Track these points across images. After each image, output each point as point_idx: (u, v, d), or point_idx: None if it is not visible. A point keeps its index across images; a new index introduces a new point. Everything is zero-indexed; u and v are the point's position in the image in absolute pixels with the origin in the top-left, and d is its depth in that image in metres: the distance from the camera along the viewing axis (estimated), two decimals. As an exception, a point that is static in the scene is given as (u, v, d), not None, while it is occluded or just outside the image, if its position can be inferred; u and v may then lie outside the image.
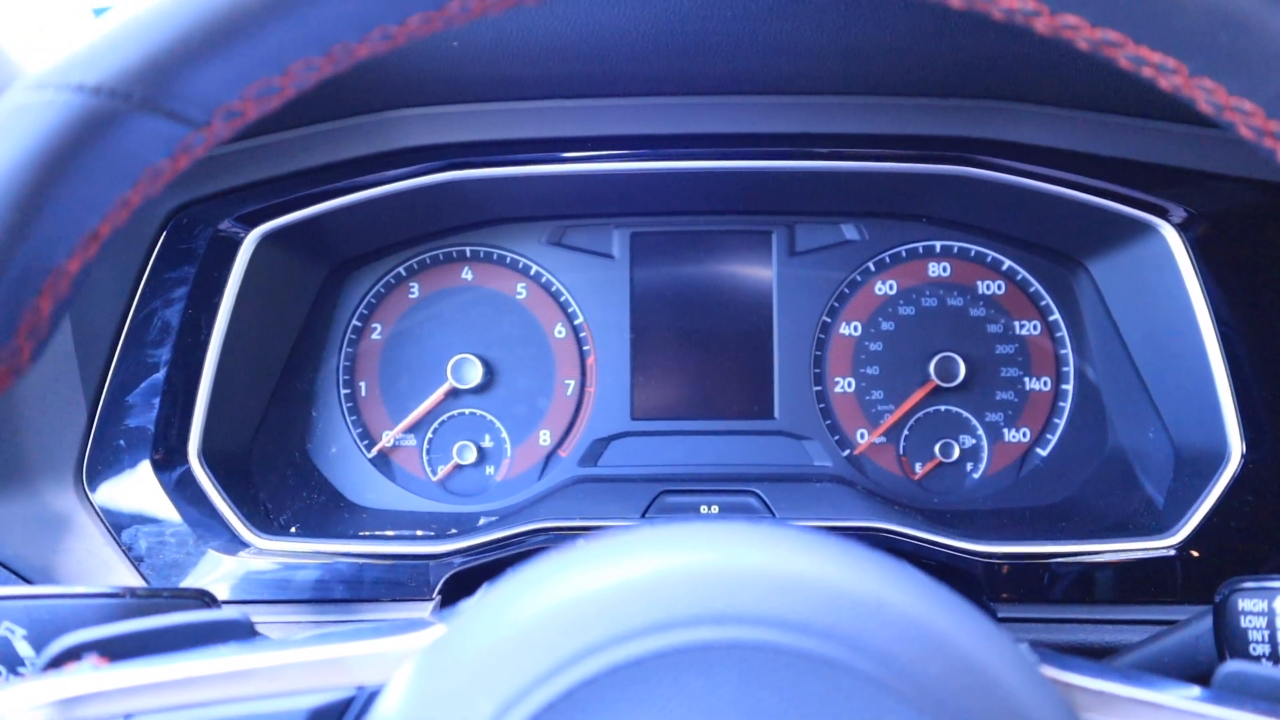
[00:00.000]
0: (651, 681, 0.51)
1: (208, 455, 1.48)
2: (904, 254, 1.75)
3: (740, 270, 1.77)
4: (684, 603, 0.52)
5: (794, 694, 0.51)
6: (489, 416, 1.77)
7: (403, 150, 1.53)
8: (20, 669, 0.81)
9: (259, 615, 1.35)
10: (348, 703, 0.60)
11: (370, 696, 0.60)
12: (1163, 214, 1.44)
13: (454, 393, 1.76)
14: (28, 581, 1.38)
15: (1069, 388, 1.73)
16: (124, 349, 1.49)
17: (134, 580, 1.43)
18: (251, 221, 1.51)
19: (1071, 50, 0.54)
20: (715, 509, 1.56)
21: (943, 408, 1.74)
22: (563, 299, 1.78)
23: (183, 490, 1.46)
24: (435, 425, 1.77)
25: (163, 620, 0.71)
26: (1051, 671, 0.60)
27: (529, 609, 0.54)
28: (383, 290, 1.78)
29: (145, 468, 1.46)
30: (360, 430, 1.77)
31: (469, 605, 0.59)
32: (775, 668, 0.51)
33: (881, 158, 1.52)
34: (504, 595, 0.56)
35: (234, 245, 1.51)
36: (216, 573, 1.43)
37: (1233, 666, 0.69)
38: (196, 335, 1.49)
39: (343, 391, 1.77)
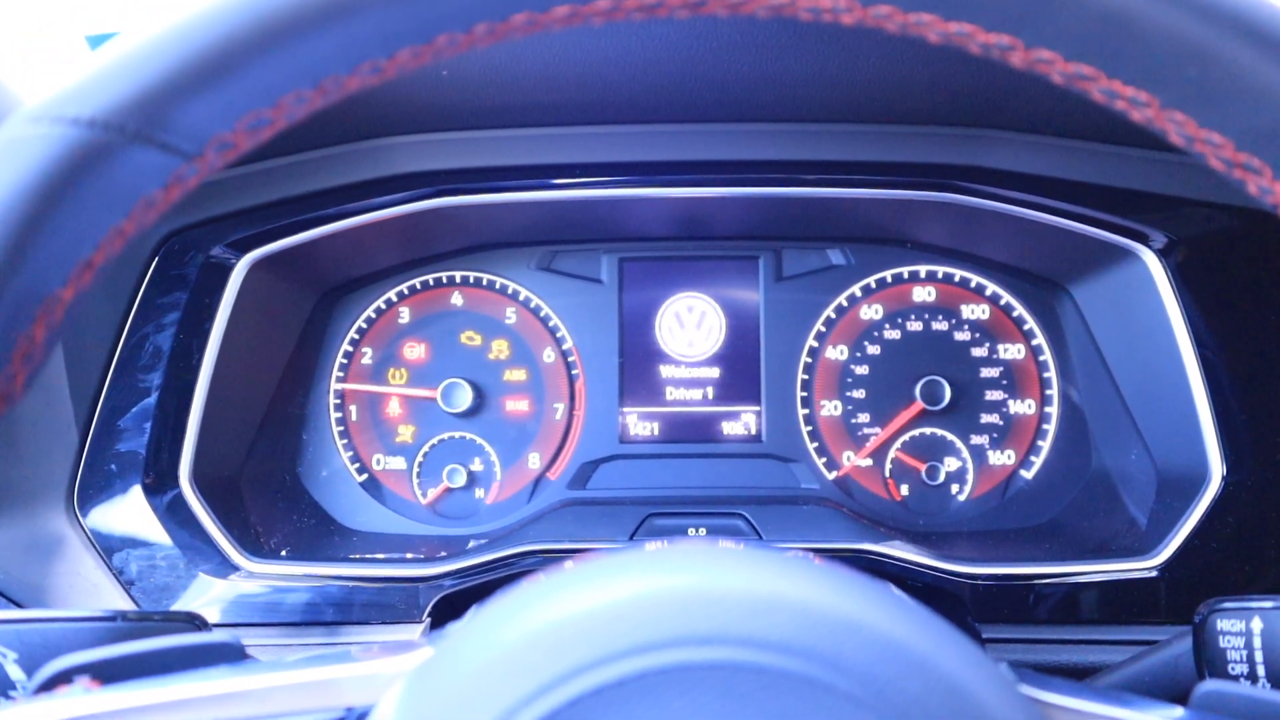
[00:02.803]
0: (635, 702, 0.52)
1: (199, 479, 1.49)
2: (889, 279, 1.77)
3: (728, 295, 1.79)
4: (667, 624, 0.53)
5: (775, 713, 0.52)
6: (479, 440, 1.78)
7: (393, 177, 1.54)
8: (11, 693, 0.82)
9: (250, 638, 1.36)
10: (336, 725, 0.61)
11: (359, 718, 0.60)
12: (1143, 239, 1.45)
13: (444, 417, 1.77)
14: (19, 605, 1.38)
15: (1053, 411, 1.74)
16: (115, 374, 1.49)
17: (125, 604, 1.43)
18: (243, 247, 1.52)
19: (1049, 82, 0.55)
20: (703, 531, 1.57)
21: (928, 430, 1.75)
22: (551, 324, 1.79)
23: (174, 514, 1.46)
24: (425, 449, 1.78)
25: (153, 643, 0.72)
26: (1030, 690, 0.61)
27: (515, 631, 0.55)
28: (373, 315, 1.79)
29: (136, 492, 1.46)
30: (351, 454, 1.77)
31: (456, 627, 0.60)
32: (757, 687, 0.52)
33: (867, 184, 1.54)
34: (491, 618, 0.57)
35: (225, 271, 1.51)
36: (207, 596, 1.43)
37: (1210, 686, 0.70)
38: (188, 360, 1.49)
39: (333, 416, 1.77)
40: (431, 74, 1.31)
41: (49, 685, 0.68)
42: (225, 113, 0.54)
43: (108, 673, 0.68)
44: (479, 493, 1.78)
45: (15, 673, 0.82)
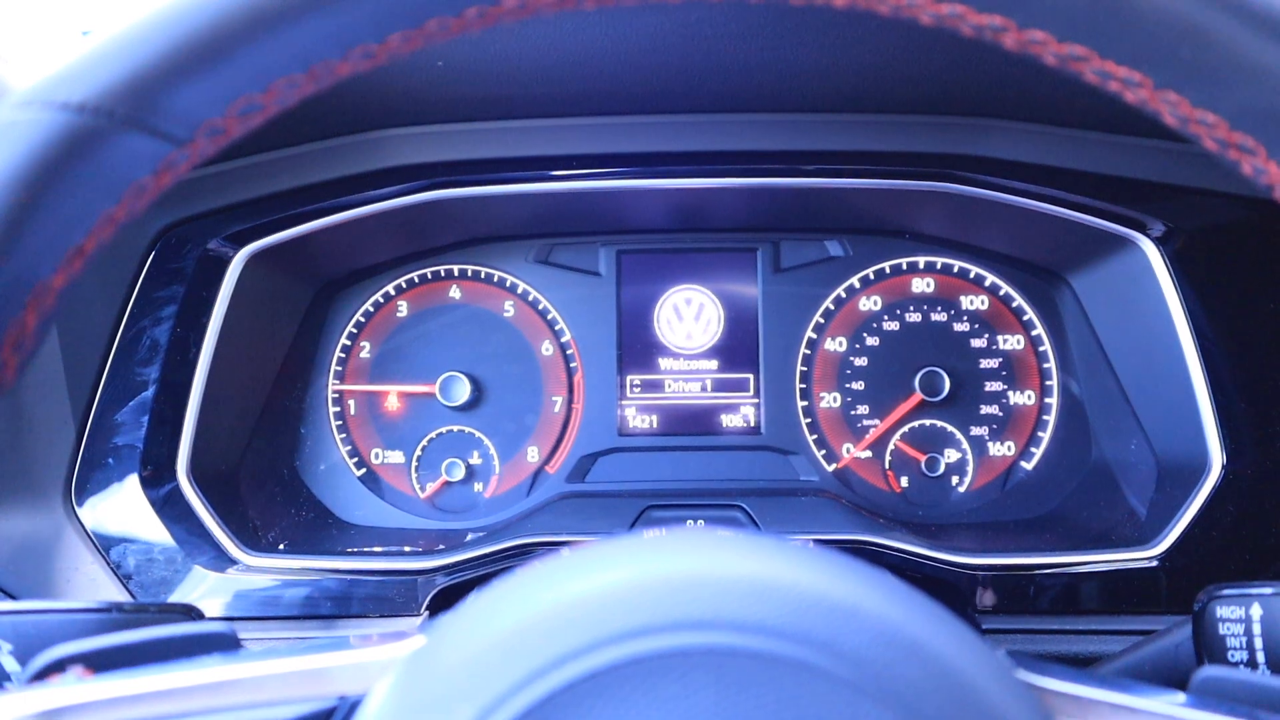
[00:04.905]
0: (629, 687, 0.51)
1: (196, 473, 1.48)
2: (888, 270, 1.77)
3: (726, 287, 1.78)
4: (661, 609, 0.53)
5: (770, 698, 0.51)
6: (477, 434, 1.78)
7: (390, 169, 1.54)
8: (6, 683, 0.82)
9: (247, 632, 1.36)
10: (329, 713, 0.61)
11: (352, 707, 0.60)
12: (1142, 228, 1.45)
13: (442, 410, 1.77)
14: (14, 598, 1.38)
15: (1053, 401, 1.74)
16: (113, 367, 1.49)
17: (123, 598, 1.43)
18: (240, 240, 1.52)
19: (1045, 66, 0.55)
20: (701, 524, 1.56)
21: (928, 422, 1.75)
22: (550, 317, 1.78)
23: (171, 508, 1.46)
24: (424, 443, 1.78)
25: (147, 633, 0.72)
26: (1027, 676, 0.61)
27: (508, 618, 0.54)
28: (371, 309, 1.79)
29: (133, 485, 1.46)
30: (349, 448, 1.77)
31: (449, 616, 0.60)
32: (751, 672, 0.52)
33: (865, 174, 1.54)
34: (483, 606, 0.57)
35: (222, 264, 1.51)
36: (205, 589, 1.43)
37: (1209, 671, 0.70)
38: (185, 353, 1.49)
39: (331, 410, 1.77)
40: (427, 65, 1.31)
41: (43, 674, 0.68)
42: (216, 98, 0.53)
43: (101, 662, 0.68)
44: (477, 486, 1.78)
45: (10, 664, 0.82)
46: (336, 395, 1.78)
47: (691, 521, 1.57)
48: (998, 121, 1.50)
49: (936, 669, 0.53)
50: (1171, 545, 1.39)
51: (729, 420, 1.77)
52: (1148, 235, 1.45)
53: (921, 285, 1.76)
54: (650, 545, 0.58)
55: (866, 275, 1.77)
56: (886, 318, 1.77)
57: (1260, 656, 0.87)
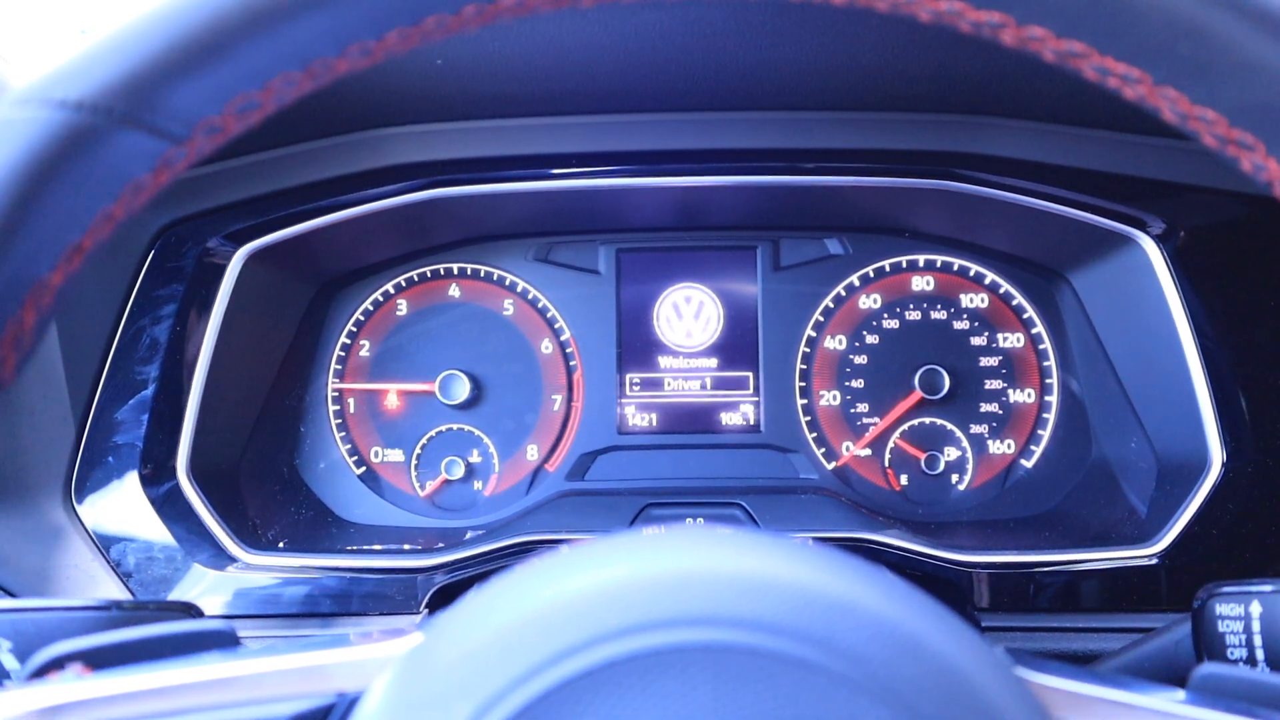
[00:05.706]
0: (627, 684, 0.51)
1: (196, 471, 1.48)
2: (888, 268, 1.76)
3: (725, 286, 1.78)
4: (659, 606, 0.53)
5: (769, 695, 0.51)
6: (477, 432, 1.78)
7: (389, 168, 1.54)
8: (5, 681, 0.82)
9: (247, 630, 1.35)
10: (328, 710, 0.61)
11: (350, 703, 0.60)
12: (1142, 226, 1.45)
13: (442, 409, 1.77)
14: (13, 596, 1.38)
15: (1053, 399, 1.74)
16: (113, 366, 1.49)
17: (123, 595, 1.43)
18: (239, 240, 1.52)
19: (1044, 63, 0.55)
20: (700, 521, 1.56)
21: (928, 420, 1.75)
22: (549, 315, 1.78)
23: (171, 506, 1.46)
24: (423, 441, 1.78)
25: (146, 630, 0.72)
26: (1026, 673, 0.61)
27: (506, 615, 0.54)
28: (371, 308, 1.79)
29: (133, 483, 1.46)
30: (349, 446, 1.77)
31: (448, 613, 0.60)
32: (750, 669, 0.52)
33: (864, 172, 1.53)
34: (481, 602, 0.57)
35: (222, 263, 1.51)
36: (204, 588, 1.43)
37: (1208, 669, 0.70)
38: (185, 352, 1.49)
39: (331, 408, 1.77)
40: (427, 64, 1.31)
41: (42, 672, 0.68)
42: (213, 96, 0.53)
43: (100, 659, 0.68)
44: (477, 485, 1.78)
45: (10, 662, 0.82)
46: (336, 394, 1.78)
47: (691, 519, 1.57)
48: (997, 119, 1.50)
49: (935, 666, 0.53)
50: (1171, 543, 1.39)
51: (728, 418, 1.77)
52: (1148, 233, 1.45)
53: (921, 283, 1.76)
54: (649, 542, 0.58)
55: (866, 273, 1.77)
56: (886, 316, 1.76)
57: (1259, 654, 0.87)
